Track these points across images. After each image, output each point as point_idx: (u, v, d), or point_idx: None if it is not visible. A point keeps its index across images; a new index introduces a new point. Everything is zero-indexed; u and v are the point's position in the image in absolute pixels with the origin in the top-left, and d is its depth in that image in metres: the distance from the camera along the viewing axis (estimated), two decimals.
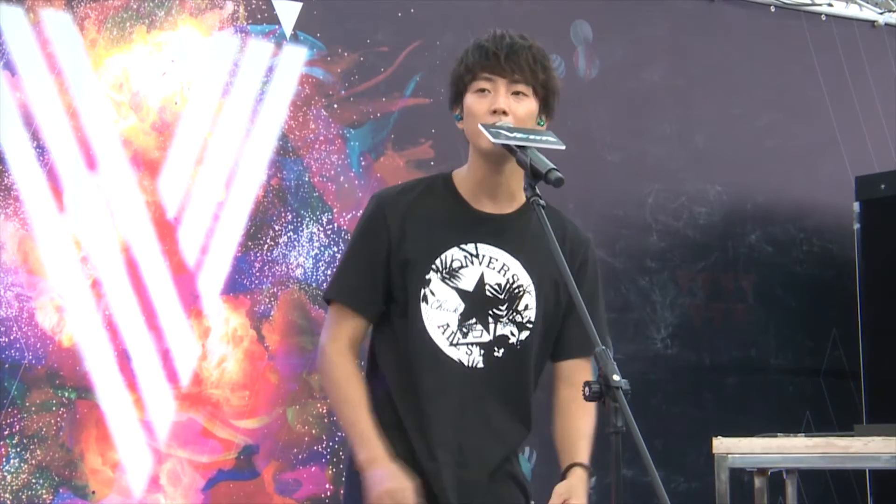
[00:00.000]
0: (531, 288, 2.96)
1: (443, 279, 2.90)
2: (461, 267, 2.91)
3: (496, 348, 2.92)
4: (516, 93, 2.90)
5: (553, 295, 2.97)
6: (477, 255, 2.93)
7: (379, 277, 2.92)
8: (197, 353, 4.84)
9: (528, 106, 2.91)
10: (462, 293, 2.91)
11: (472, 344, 2.90)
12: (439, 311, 2.89)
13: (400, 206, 2.93)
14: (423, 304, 2.89)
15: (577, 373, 3.00)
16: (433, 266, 2.90)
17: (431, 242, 2.91)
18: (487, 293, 2.92)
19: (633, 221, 5.95)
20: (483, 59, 2.90)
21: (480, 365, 2.91)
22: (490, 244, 2.94)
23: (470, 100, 2.90)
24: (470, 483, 2.92)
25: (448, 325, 2.89)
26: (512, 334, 2.94)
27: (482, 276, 2.92)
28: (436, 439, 2.88)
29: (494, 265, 2.94)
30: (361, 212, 3.04)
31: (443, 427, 2.88)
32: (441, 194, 2.96)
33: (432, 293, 2.89)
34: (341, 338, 2.96)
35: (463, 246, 2.92)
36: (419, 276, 2.89)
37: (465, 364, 2.90)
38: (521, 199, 2.96)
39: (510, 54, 2.89)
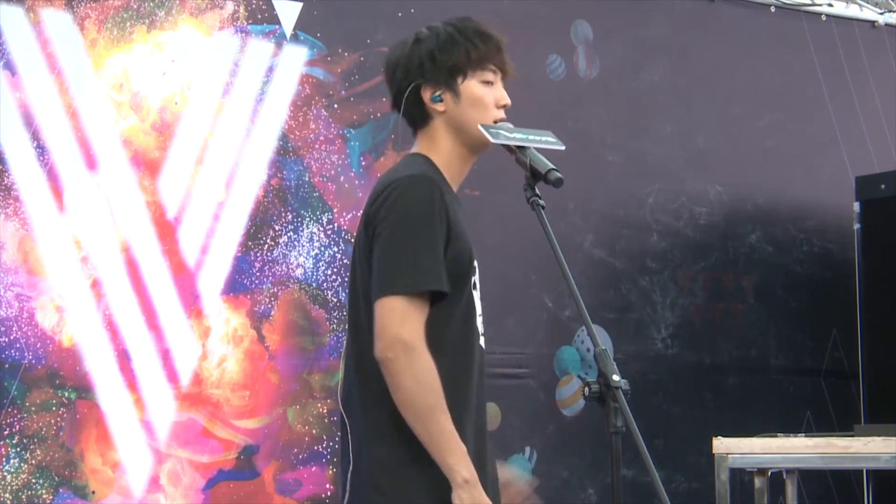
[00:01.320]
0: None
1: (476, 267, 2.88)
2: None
3: (483, 325, 2.92)
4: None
5: None
6: None
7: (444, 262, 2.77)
8: (197, 352, 4.84)
9: None
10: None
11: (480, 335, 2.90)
12: (479, 300, 2.87)
13: (445, 192, 2.80)
14: (474, 292, 2.84)
15: None
16: (474, 254, 2.85)
17: (466, 231, 2.84)
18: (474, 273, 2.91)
19: (634, 221, 5.95)
20: (496, 52, 2.88)
21: (484, 345, 2.90)
22: None
23: (478, 88, 2.87)
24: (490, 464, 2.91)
25: (481, 314, 2.88)
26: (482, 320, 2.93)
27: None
28: (480, 422, 2.84)
29: None
30: (407, 193, 2.75)
31: (481, 410, 2.86)
32: (443, 180, 2.88)
33: (475, 282, 2.85)
34: (422, 333, 2.70)
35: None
36: (471, 265, 2.82)
37: (483, 347, 2.89)
38: None
39: (504, 50, 2.91)
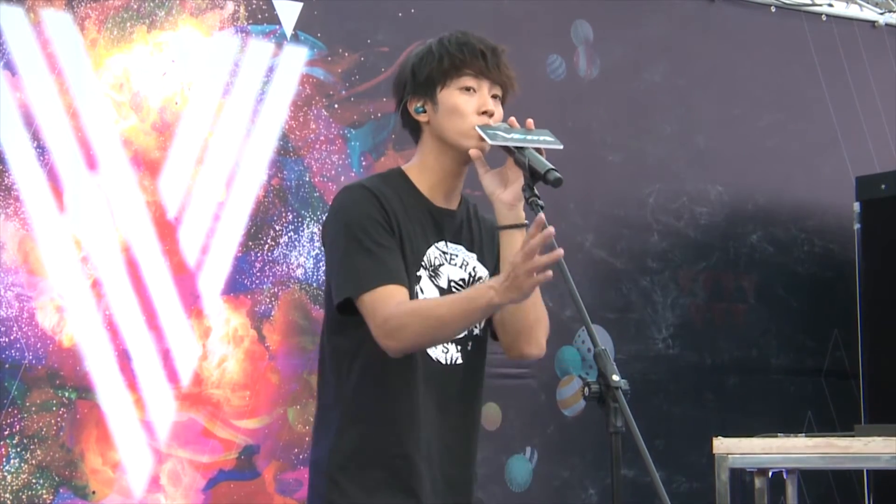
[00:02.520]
0: (487, 277, 2.95)
1: (430, 277, 2.89)
2: (440, 265, 2.91)
3: (469, 343, 2.92)
4: (494, 95, 2.91)
5: None
6: (446, 253, 2.93)
7: (401, 255, 2.84)
8: (197, 353, 4.84)
9: (500, 110, 2.92)
10: (441, 291, 2.90)
11: (449, 342, 2.90)
12: None
13: (387, 197, 2.87)
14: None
15: None
16: (422, 263, 2.88)
17: (416, 240, 2.88)
18: (454, 290, 2.91)
19: (634, 221, 5.95)
20: (472, 58, 2.88)
21: (459, 361, 2.91)
22: (451, 241, 2.94)
23: (455, 97, 2.87)
24: (452, 482, 2.92)
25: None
26: (476, 326, 2.93)
27: (448, 274, 2.92)
28: (414, 437, 2.85)
29: (455, 261, 2.93)
30: (334, 207, 2.91)
31: (423, 425, 2.86)
32: (406, 191, 2.92)
33: (422, 291, 2.87)
34: (393, 299, 2.76)
35: (437, 244, 2.92)
36: (412, 274, 2.86)
37: (444, 362, 2.89)
38: (460, 192, 3.00)
39: (494, 57, 2.90)
